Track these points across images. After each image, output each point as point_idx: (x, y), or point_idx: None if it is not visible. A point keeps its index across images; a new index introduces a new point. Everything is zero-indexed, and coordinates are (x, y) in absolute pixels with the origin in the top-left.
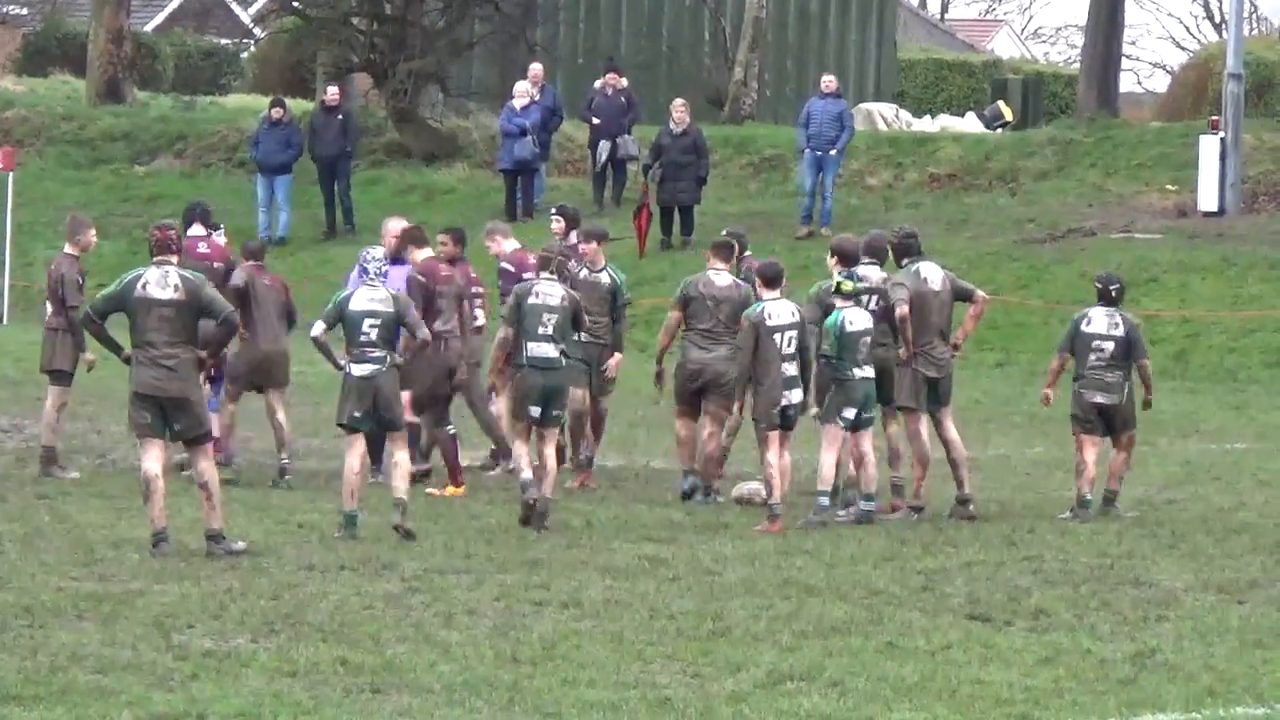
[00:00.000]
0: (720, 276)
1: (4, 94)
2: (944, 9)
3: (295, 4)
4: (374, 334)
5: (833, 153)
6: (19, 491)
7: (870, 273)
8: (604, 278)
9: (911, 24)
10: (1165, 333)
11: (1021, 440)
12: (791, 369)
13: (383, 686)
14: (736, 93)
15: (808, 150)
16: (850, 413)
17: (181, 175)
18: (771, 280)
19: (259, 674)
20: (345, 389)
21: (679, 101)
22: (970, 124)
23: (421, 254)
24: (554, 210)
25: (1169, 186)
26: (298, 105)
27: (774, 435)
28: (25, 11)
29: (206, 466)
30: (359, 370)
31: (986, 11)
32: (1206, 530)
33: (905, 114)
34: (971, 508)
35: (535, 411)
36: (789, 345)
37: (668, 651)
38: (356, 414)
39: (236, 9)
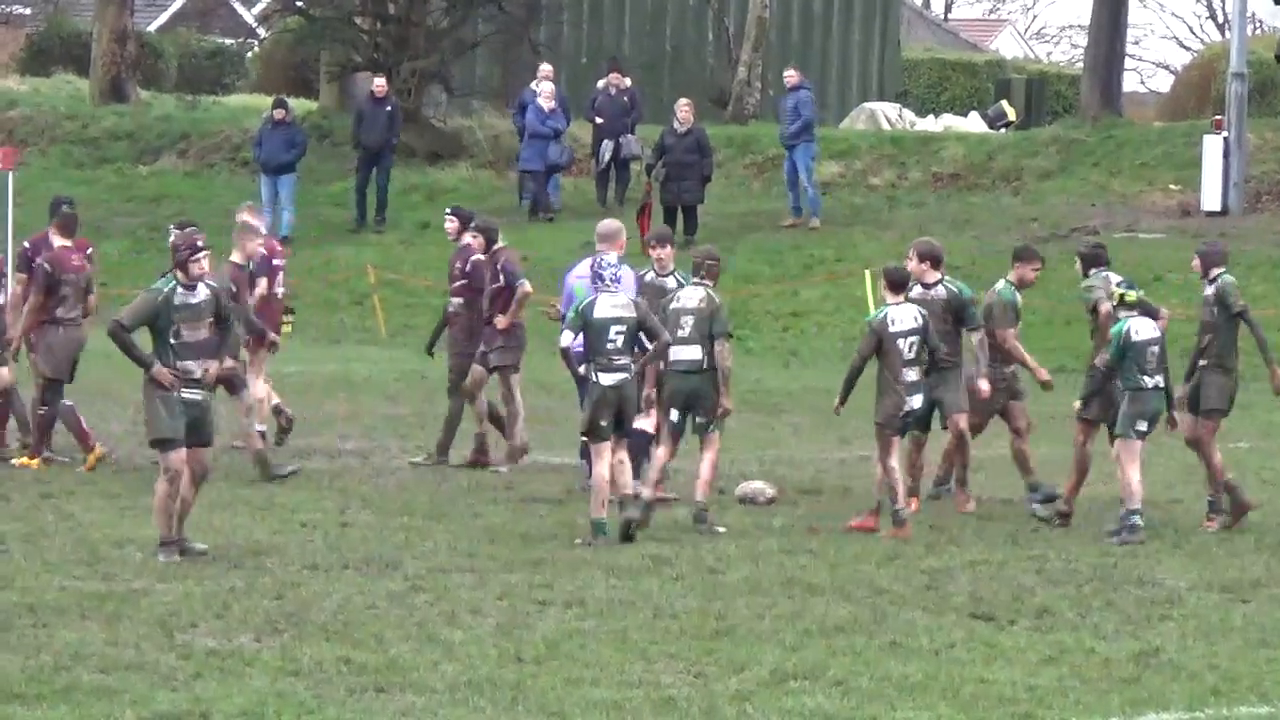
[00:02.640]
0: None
1: (7, 93)
2: (947, 9)
3: (299, 4)
4: (620, 341)
5: (788, 133)
6: (23, 491)
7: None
8: (670, 281)
9: (915, 24)
10: (1169, 332)
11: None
12: (914, 374)
13: (386, 685)
14: (740, 92)
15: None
16: (1143, 425)
17: (185, 175)
18: (896, 285)
19: (262, 673)
20: (595, 399)
21: (683, 101)
22: (974, 124)
23: (59, 242)
24: (448, 210)
25: (1172, 186)
26: (301, 105)
27: (896, 441)
28: (29, 11)
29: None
30: (608, 379)
31: (990, 11)
32: (1209, 529)
33: (909, 114)
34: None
35: (675, 416)
36: (911, 350)
37: (671, 650)
38: (604, 423)
39: (240, 9)
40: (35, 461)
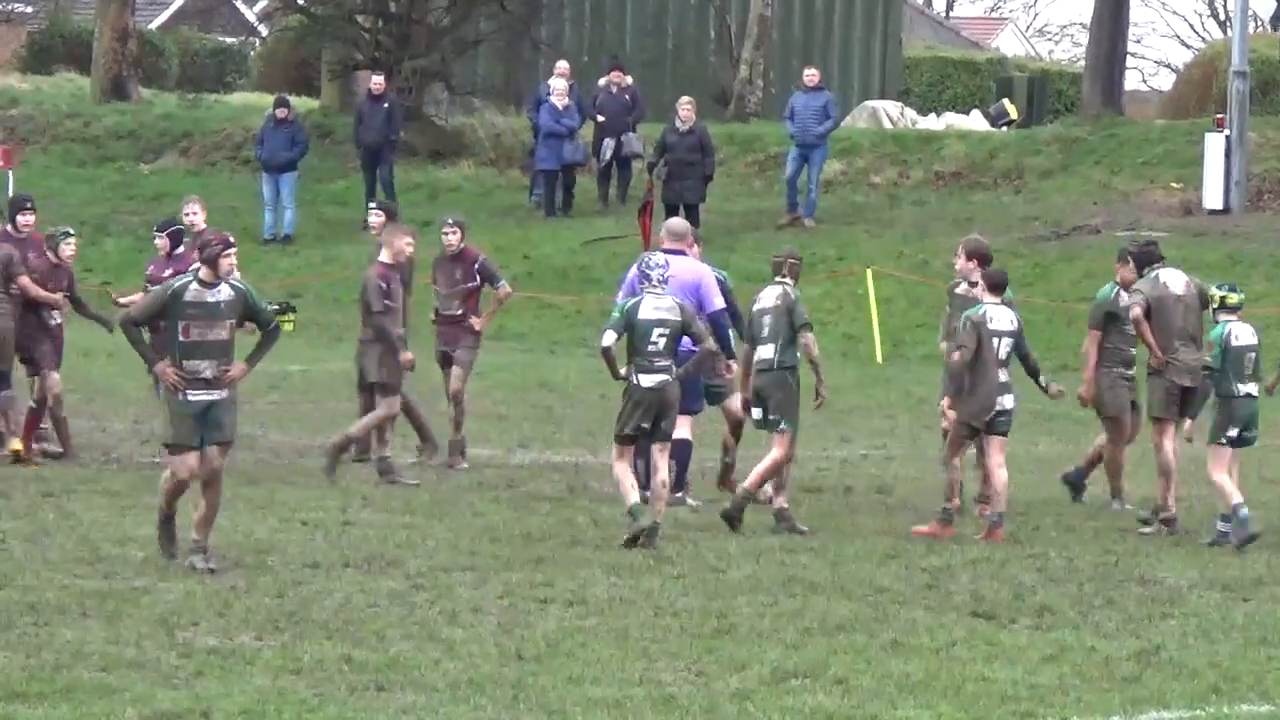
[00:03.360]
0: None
1: (9, 91)
2: (949, 7)
3: (300, 2)
4: (662, 343)
5: (819, 132)
6: (24, 490)
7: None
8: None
9: (916, 22)
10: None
11: (1026, 438)
12: (1005, 375)
13: (387, 684)
14: (741, 90)
15: (794, 146)
16: (1234, 431)
17: (186, 173)
18: (996, 286)
19: (263, 671)
20: (631, 400)
21: (685, 99)
22: (975, 122)
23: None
24: (373, 205)
25: (1174, 184)
26: (303, 103)
27: (995, 440)
28: (30, 9)
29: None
30: (647, 381)
31: (991, 9)
32: (1212, 528)
33: (910, 112)
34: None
35: (758, 414)
36: (1004, 351)
37: (672, 649)
38: (644, 425)
39: (241, 7)
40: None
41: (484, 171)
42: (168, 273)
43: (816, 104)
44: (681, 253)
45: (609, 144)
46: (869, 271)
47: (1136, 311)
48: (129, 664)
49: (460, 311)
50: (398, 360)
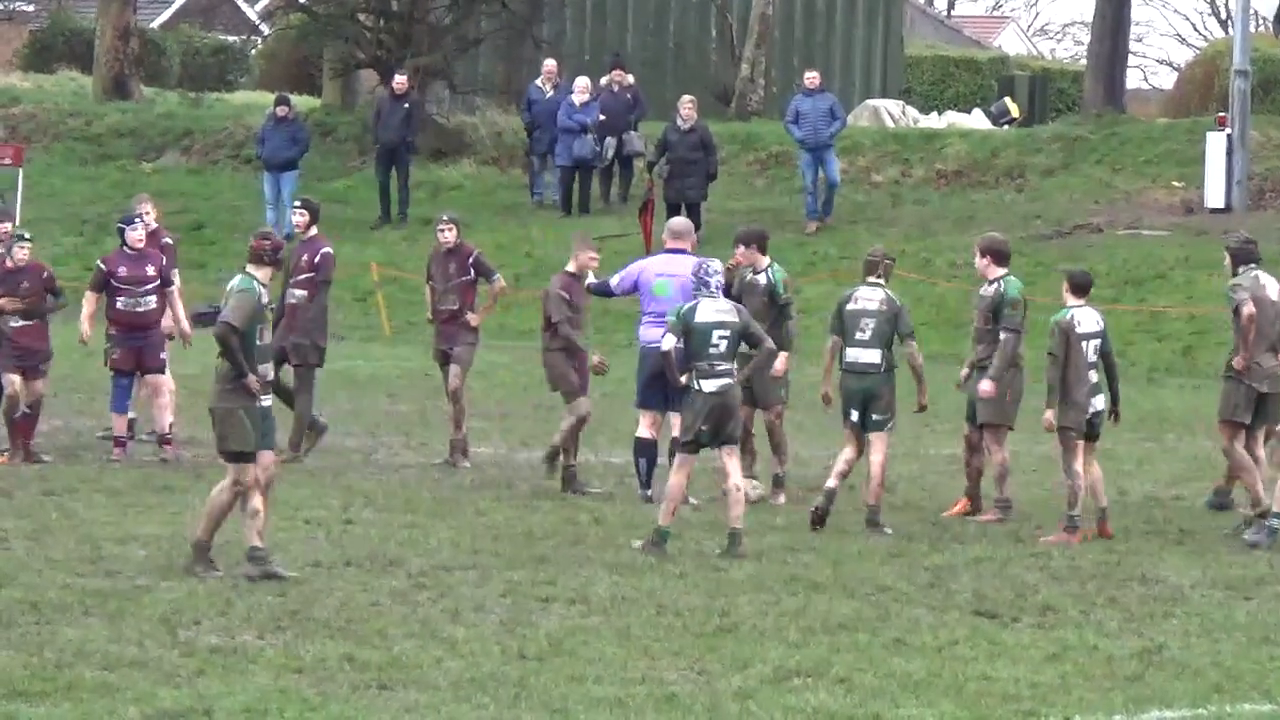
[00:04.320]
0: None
1: (11, 90)
2: (950, 5)
3: (302, 0)
4: (723, 346)
5: (829, 135)
6: (26, 488)
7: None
8: (762, 279)
9: (918, 20)
10: (1172, 329)
11: (1028, 437)
12: (1095, 376)
13: (389, 683)
14: (743, 89)
15: (803, 152)
16: None
17: (188, 172)
18: (1081, 287)
19: (265, 670)
20: (694, 406)
21: (687, 98)
22: (977, 120)
23: None
24: (298, 203)
25: (1175, 183)
26: (304, 102)
27: (1080, 445)
28: (32, 8)
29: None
30: (709, 386)
31: (993, 8)
32: (1214, 526)
33: (912, 110)
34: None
35: (855, 416)
36: (1094, 353)
37: (674, 648)
38: (704, 428)
39: (243, 5)
40: None
41: (485, 170)
42: (122, 269)
43: (823, 106)
44: (684, 252)
45: (610, 143)
46: None
47: (1251, 309)
48: (131, 663)
49: (456, 306)
50: (585, 364)
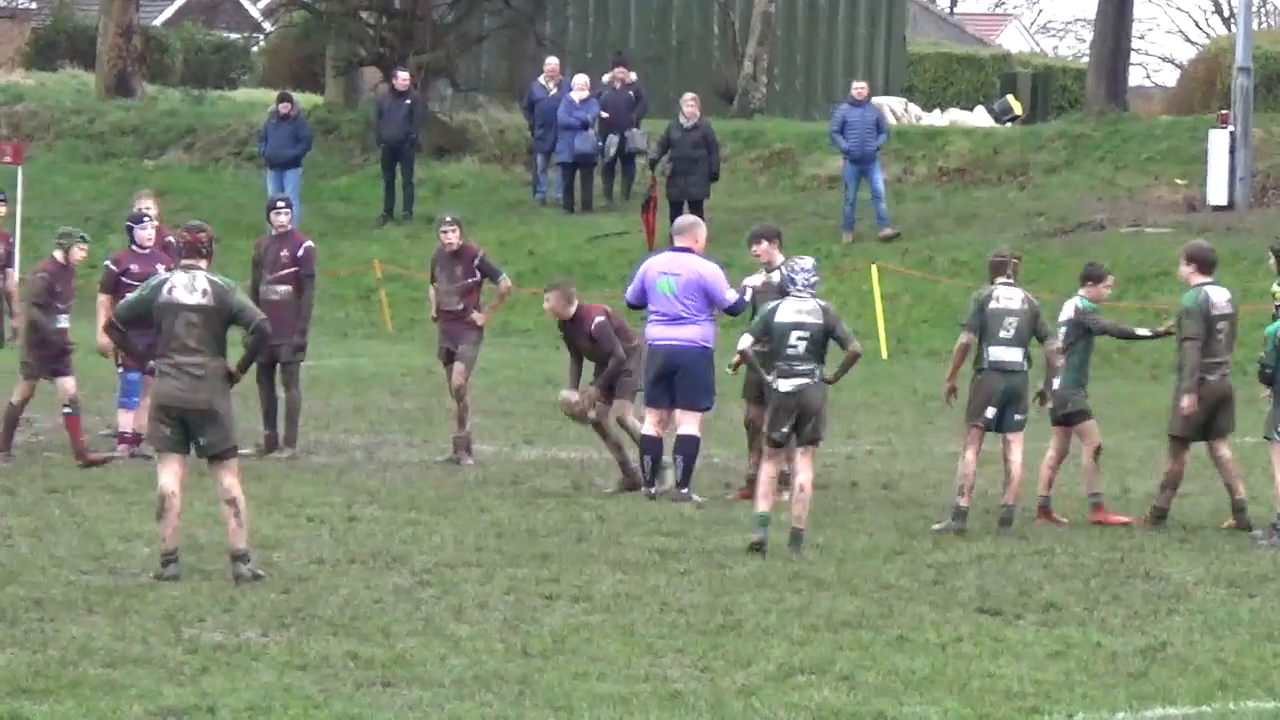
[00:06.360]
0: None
1: (13, 88)
2: (953, 3)
3: None
4: (801, 347)
5: (876, 146)
6: (30, 486)
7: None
8: (775, 276)
9: (921, 18)
10: None
11: (1029, 436)
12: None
13: (393, 680)
14: (746, 87)
15: (848, 163)
16: None
17: (191, 169)
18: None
19: (269, 668)
20: (774, 405)
21: (689, 96)
22: (979, 118)
23: None
24: (280, 202)
25: (1178, 180)
26: (307, 99)
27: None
28: (34, 5)
29: (233, 483)
30: (785, 386)
31: (996, 5)
32: (1217, 524)
33: (914, 108)
34: None
35: (991, 414)
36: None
37: (678, 645)
38: (784, 430)
39: (245, 3)
40: None
41: (488, 167)
42: (134, 266)
43: (870, 118)
44: (688, 250)
45: (612, 140)
46: (873, 267)
47: None
48: (135, 660)
49: (461, 307)
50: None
